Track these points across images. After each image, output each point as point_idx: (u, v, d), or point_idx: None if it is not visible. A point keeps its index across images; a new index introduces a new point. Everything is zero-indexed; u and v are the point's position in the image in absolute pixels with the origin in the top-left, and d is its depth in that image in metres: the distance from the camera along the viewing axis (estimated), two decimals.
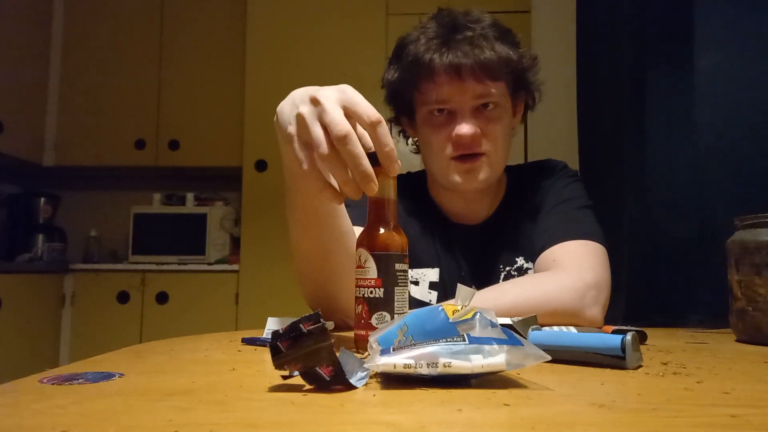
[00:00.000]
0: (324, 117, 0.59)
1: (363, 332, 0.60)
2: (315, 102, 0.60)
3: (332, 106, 0.59)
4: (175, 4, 3.11)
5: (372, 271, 0.59)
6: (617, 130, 1.57)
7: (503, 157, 0.99)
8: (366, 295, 0.60)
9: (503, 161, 1.00)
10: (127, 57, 3.09)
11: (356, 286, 0.61)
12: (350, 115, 0.59)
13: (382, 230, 0.61)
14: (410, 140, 1.07)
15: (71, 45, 3.12)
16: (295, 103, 0.63)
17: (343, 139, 0.57)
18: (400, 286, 0.60)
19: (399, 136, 1.08)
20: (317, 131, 0.59)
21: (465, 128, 0.91)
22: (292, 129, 0.62)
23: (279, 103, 0.69)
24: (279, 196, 2.94)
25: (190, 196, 3.12)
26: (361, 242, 0.61)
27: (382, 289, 0.59)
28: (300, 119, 0.61)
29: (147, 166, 3.07)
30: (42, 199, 3.10)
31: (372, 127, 0.58)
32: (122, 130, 3.06)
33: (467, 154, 0.94)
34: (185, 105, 3.06)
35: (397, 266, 0.60)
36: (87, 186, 3.31)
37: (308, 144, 0.61)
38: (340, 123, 0.57)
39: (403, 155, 0.88)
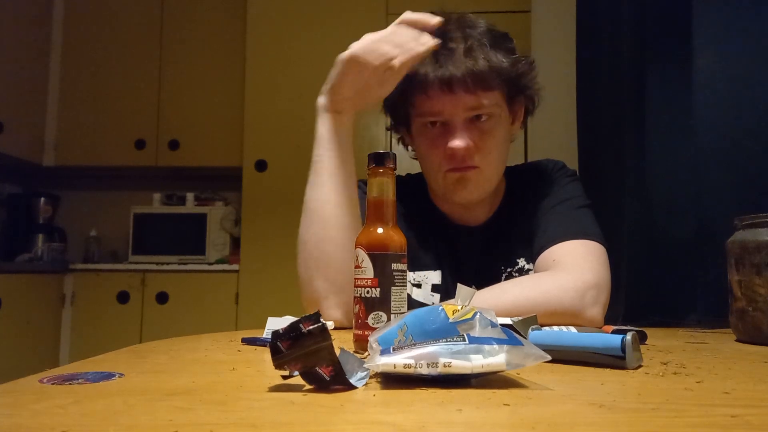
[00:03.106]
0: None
1: (360, 332, 0.60)
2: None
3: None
4: (175, 4, 3.11)
5: (369, 270, 0.60)
6: (617, 129, 1.57)
7: (497, 169, 0.99)
8: (363, 295, 0.60)
9: (497, 174, 1.00)
10: (127, 57, 3.09)
11: (354, 286, 0.61)
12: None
13: (379, 230, 0.61)
14: (410, 148, 1.07)
15: (71, 45, 3.12)
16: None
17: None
18: (398, 286, 0.60)
19: (398, 143, 1.09)
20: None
21: (457, 142, 0.91)
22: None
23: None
24: (279, 196, 2.94)
25: (190, 196, 3.12)
26: (359, 242, 0.61)
27: (378, 289, 0.59)
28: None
29: (147, 166, 3.07)
30: (42, 199, 3.10)
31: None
32: (122, 130, 3.06)
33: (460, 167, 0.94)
34: (185, 105, 3.06)
35: (394, 266, 0.60)
36: (87, 186, 3.31)
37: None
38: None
39: (403, 157, 0.88)
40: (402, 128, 1.04)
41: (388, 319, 0.59)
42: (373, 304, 0.59)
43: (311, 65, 2.81)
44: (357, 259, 0.61)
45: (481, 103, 0.92)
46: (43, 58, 3.05)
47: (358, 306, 0.60)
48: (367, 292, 0.60)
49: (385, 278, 0.59)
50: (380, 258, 0.60)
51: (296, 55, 2.83)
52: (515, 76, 0.95)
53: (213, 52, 3.07)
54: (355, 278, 0.61)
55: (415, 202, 1.06)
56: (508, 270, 1.01)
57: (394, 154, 0.63)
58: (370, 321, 0.59)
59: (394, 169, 0.64)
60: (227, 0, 3.06)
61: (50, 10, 3.09)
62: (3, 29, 2.74)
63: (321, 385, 0.43)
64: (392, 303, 0.59)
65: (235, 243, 2.97)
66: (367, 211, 0.62)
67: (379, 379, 0.46)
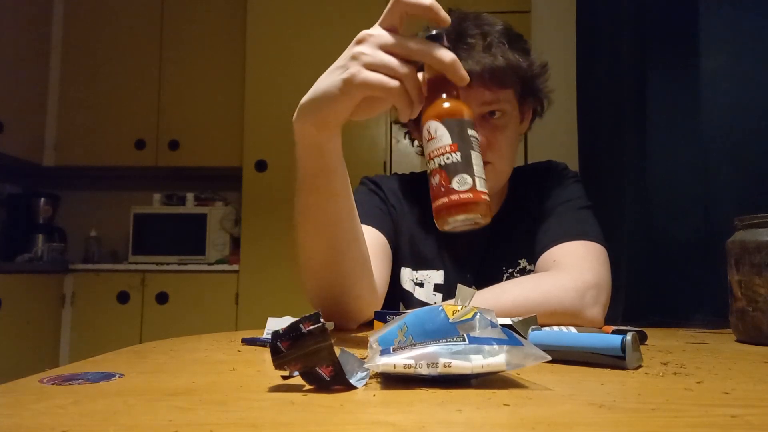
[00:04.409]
0: (387, 41, 0.60)
1: (447, 199, 0.58)
2: (362, 40, 0.61)
3: (383, 33, 0.60)
4: (175, 4, 3.11)
5: (445, 137, 0.58)
6: (618, 130, 1.57)
7: (508, 166, 0.99)
8: (443, 162, 0.58)
9: (508, 170, 0.99)
10: (127, 57, 3.10)
11: (429, 159, 0.60)
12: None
13: (447, 97, 0.61)
14: (415, 143, 1.07)
15: (71, 45, 3.12)
16: (336, 64, 0.65)
17: (424, 47, 0.59)
18: (475, 150, 0.59)
19: (405, 137, 1.08)
20: (387, 57, 0.60)
21: None
22: (349, 72, 0.61)
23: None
24: (279, 196, 2.94)
25: (190, 196, 3.12)
26: (428, 115, 0.60)
27: (459, 153, 0.58)
28: (358, 56, 0.61)
29: (147, 166, 3.07)
30: (42, 199, 3.10)
31: (427, 10, 0.60)
32: (122, 130, 3.06)
33: None
34: (185, 105, 3.06)
35: (470, 131, 0.59)
36: (87, 186, 3.32)
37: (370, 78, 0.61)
38: (406, 39, 0.60)
39: (404, 156, 0.88)
40: (410, 121, 1.04)
41: (473, 182, 0.58)
42: (456, 168, 0.58)
43: (311, 65, 2.81)
44: (429, 132, 0.60)
45: (497, 98, 0.92)
46: (43, 58, 3.06)
47: (438, 176, 0.59)
48: (447, 158, 0.58)
49: (463, 143, 0.58)
50: (455, 124, 0.59)
51: (296, 55, 2.83)
52: (530, 77, 0.95)
53: (213, 52, 3.07)
54: (430, 151, 0.60)
55: (417, 201, 1.06)
56: (510, 270, 1.01)
57: (447, 34, 0.63)
58: (454, 185, 0.58)
59: (450, 48, 0.63)
60: (227, 0, 3.06)
61: (50, 10, 3.09)
62: (3, 29, 2.74)
63: (321, 385, 0.43)
64: (474, 167, 0.58)
65: (235, 243, 2.97)
66: (429, 84, 0.62)
67: (379, 380, 0.46)
